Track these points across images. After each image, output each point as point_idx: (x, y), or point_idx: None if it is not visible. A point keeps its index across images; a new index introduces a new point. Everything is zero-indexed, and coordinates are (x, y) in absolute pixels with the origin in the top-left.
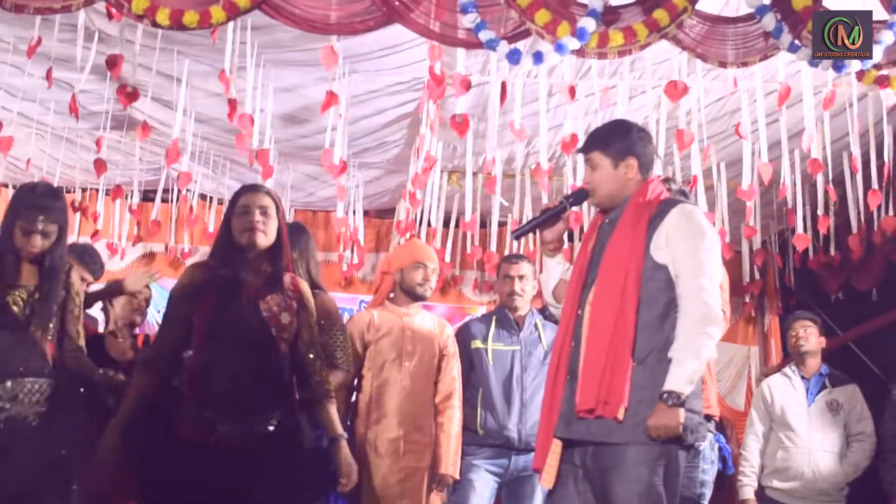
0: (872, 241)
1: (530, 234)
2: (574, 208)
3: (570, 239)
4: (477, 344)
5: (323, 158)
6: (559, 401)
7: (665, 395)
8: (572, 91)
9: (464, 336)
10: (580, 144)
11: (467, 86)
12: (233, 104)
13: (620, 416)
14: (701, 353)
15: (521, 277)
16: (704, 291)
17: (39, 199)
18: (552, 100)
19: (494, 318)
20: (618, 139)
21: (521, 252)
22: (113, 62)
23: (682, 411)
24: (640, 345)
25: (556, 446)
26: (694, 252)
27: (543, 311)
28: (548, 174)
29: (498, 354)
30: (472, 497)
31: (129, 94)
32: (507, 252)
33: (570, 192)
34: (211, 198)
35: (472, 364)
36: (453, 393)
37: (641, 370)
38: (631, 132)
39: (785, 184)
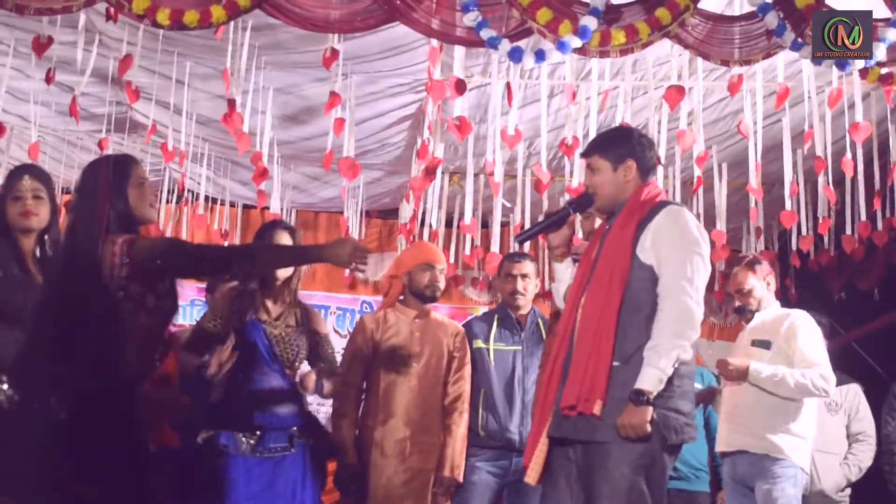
0: (874, 241)
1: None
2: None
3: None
4: (479, 344)
5: (328, 161)
6: (552, 402)
7: (633, 395)
8: (572, 94)
9: (465, 336)
10: (581, 149)
11: (462, 88)
12: (231, 104)
13: (597, 411)
14: (672, 354)
15: (523, 276)
16: (684, 293)
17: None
18: (552, 102)
19: (496, 317)
20: (618, 143)
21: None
22: (124, 64)
23: (649, 410)
24: (625, 344)
25: (544, 444)
26: (677, 252)
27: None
28: (548, 178)
29: (499, 355)
30: (473, 499)
31: (134, 90)
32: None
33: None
34: (213, 199)
35: (473, 364)
36: (462, 395)
37: (626, 369)
38: (631, 136)
39: (796, 183)
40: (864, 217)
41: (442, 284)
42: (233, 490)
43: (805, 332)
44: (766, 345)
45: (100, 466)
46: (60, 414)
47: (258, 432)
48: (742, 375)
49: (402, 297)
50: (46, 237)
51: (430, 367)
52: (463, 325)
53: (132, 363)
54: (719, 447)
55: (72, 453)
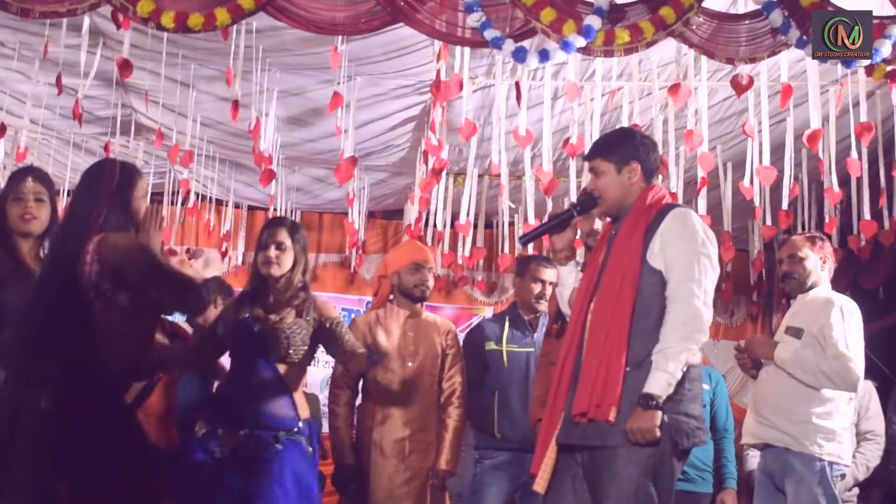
0: (879, 240)
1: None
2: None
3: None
4: (491, 346)
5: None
6: (561, 408)
7: (642, 399)
8: (577, 91)
9: (477, 338)
10: (586, 151)
11: (460, 86)
12: (235, 105)
13: (612, 418)
14: (681, 358)
15: (551, 283)
16: (693, 295)
17: None
18: (557, 103)
19: (507, 318)
20: (621, 146)
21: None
22: (123, 65)
23: (659, 414)
24: (636, 350)
25: (552, 452)
26: (685, 255)
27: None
28: (552, 179)
29: (513, 356)
30: (487, 499)
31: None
32: (514, 252)
33: (575, 197)
34: (217, 200)
35: (486, 366)
36: (457, 391)
37: (637, 374)
38: (634, 138)
39: (798, 184)
40: (868, 216)
41: (431, 282)
42: (207, 493)
43: (839, 322)
44: (798, 333)
45: (79, 463)
46: (43, 408)
47: (243, 431)
48: (767, 353)
49: (392, 298)
50: (46, 239)
51: (426, 365)
52: (474, 328)
53: (110, 362)
54: (745, 439)
55: (52, 449)
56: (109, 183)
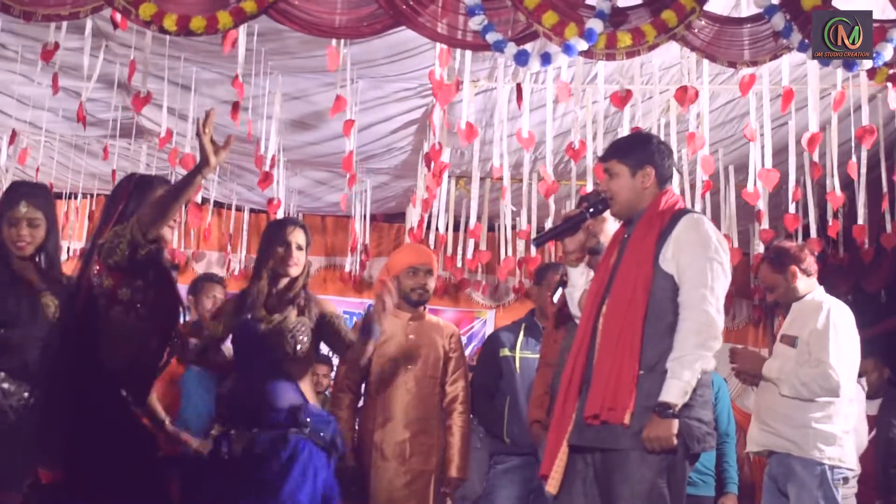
0: (882, 243)
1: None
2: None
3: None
4: (505, 352)
5: (346, 164)
6: (571, 409)
7: (658, 407)
8: (569, 93)
9: (492, 345)
10: (594, 153)
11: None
12: (235, 108)
13: (627, 420)
14: (696, 366)
15: None
16: (705, 301)
17: None
18: (559, 106)
19: (523, 325)
20: (637, 149)
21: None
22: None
23: (675, 422)
24: (649, 353)
25: (563, 453)
26: (698, 261)
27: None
28: (554, 185)
29: (525, 363)
30: (497, 502)
31: (142, 99)
32: (516, 256)
33: (583, 198)
34: (218, 203)
35: (500, 372)
36: (459, 395)
37: (651, 378)
38: (651, 143)
39: (800, 187)
40: (862, 220)
41: (431, 286)
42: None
43: (824, 327)
44: (792, 341)
45: (76, 458)
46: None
47: (254, 430)
48: (755, 370)
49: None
50: (43, 254)
51: (427, 368)
52: (490, 335)
53: (110, 357)
54: (749, 447)
55: (42, 438)
56: (121, 199)
